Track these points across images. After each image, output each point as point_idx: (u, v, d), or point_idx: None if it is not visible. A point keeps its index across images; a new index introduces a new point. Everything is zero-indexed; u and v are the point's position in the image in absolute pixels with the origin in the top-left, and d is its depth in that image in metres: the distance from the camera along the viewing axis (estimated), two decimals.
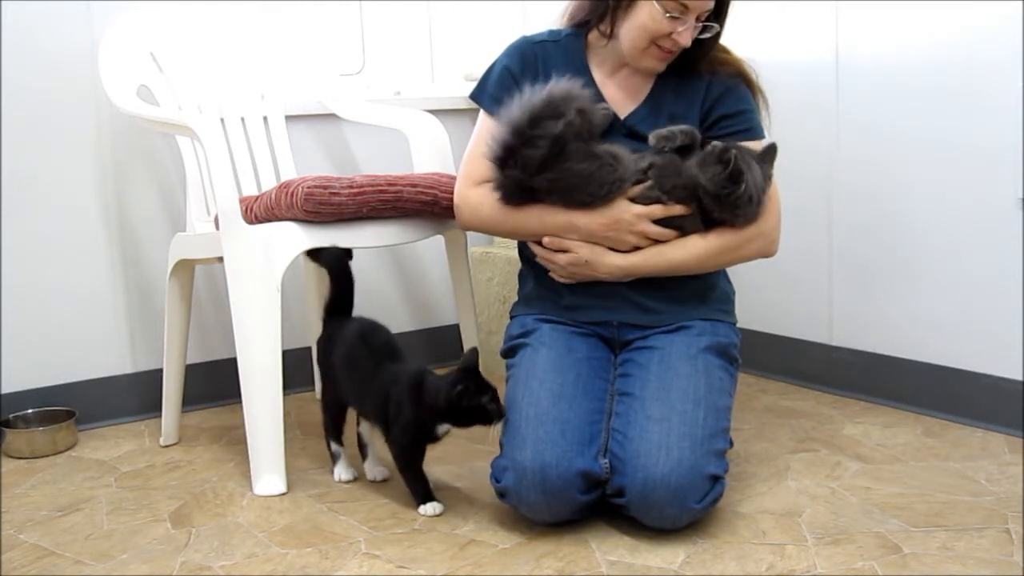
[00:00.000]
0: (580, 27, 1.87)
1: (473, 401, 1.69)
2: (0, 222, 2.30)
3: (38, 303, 2.35)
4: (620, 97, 1.84)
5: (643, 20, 1.72)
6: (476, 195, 1.84)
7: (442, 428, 1.76)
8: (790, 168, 2.44)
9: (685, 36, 1.71)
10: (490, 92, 1.86)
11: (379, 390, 1.80)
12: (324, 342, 1.98)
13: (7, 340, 2.32)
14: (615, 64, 1.84)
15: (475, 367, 1.72)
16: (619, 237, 1.72)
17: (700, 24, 1.73)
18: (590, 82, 1.83)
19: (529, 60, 1.85)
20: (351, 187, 1.89)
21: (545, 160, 1.67)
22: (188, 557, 1.65)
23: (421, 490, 1.79)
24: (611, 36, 1.79)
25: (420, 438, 1.78)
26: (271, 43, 2.50)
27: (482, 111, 1.89)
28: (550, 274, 1.81)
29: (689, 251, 1.74)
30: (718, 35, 1.78)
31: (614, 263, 1.74)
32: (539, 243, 1.80)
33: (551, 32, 1.89)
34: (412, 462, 1.80)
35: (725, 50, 1.84)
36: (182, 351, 2.24)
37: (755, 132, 1.81)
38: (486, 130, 1.85)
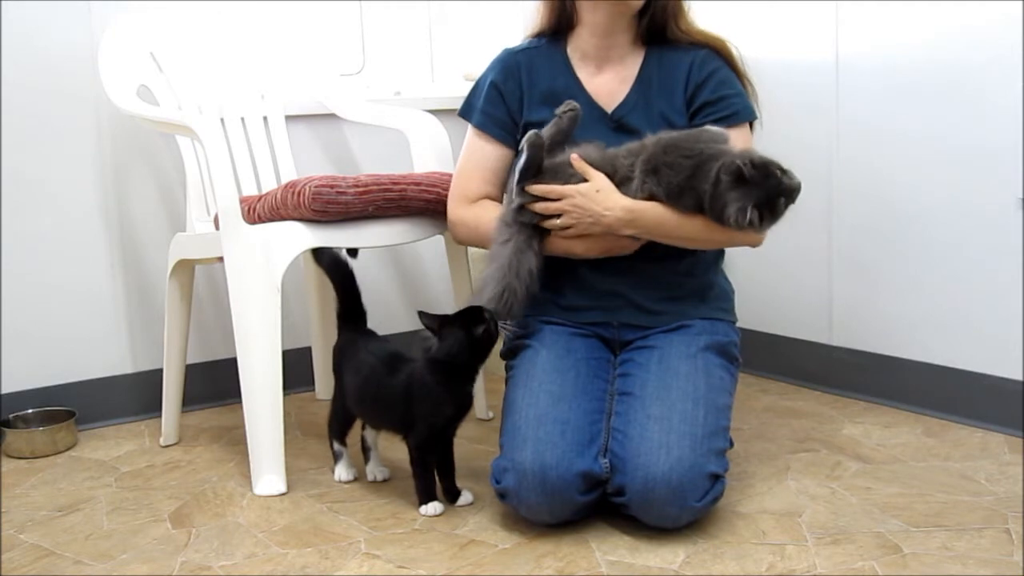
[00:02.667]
0: (556, 34, 1.88)
1: (479, 323, 1.71)
2: (0, 222, 2.30)
3: (38, 303, 2.35)
4: (606, 92, 1.85)
5: None
6: (472, 214, 1.87)
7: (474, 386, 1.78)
8: (790, 167, 2.45)
9: None
10: (480, 108, 1.89)
11: (397, 398, 1.79)
12: (337, 353, 1.98)
13: (7, 340, 2.32)
14: (598, 57, 1.84)
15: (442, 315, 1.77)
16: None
17: None
18: (575, 82, 1.84)
19: (512, 70, 1.87)
20: (357, 186, 1.89)
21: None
22: (188, 557, 1.65)
23: (427, 488, 1.79)
24: (577, 19, 1.81)
25: (454, 414, 1.77)
26: (271, 43, 2.50)
27: (471, 128, 1.91)
28: (558, 230, 1.75)
29: (691, 217, 1.71)
30: None
31: (619, 203, 1.69)
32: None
33: (531, 40, 1.91)
34: (429, 458, 1.79)
35: (697, 28, 1.84)
36: (182, 351, 2.23)
37: (740, 116, 1.80)
38: (475, 146, 1.89)
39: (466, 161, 1.91)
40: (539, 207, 1.73)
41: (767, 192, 1.62)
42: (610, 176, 1.71)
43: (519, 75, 1.87)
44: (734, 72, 1.83)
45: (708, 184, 1.64)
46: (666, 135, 1.72)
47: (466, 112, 1.93)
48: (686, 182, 1.67)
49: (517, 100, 1.86)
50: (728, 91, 1.81)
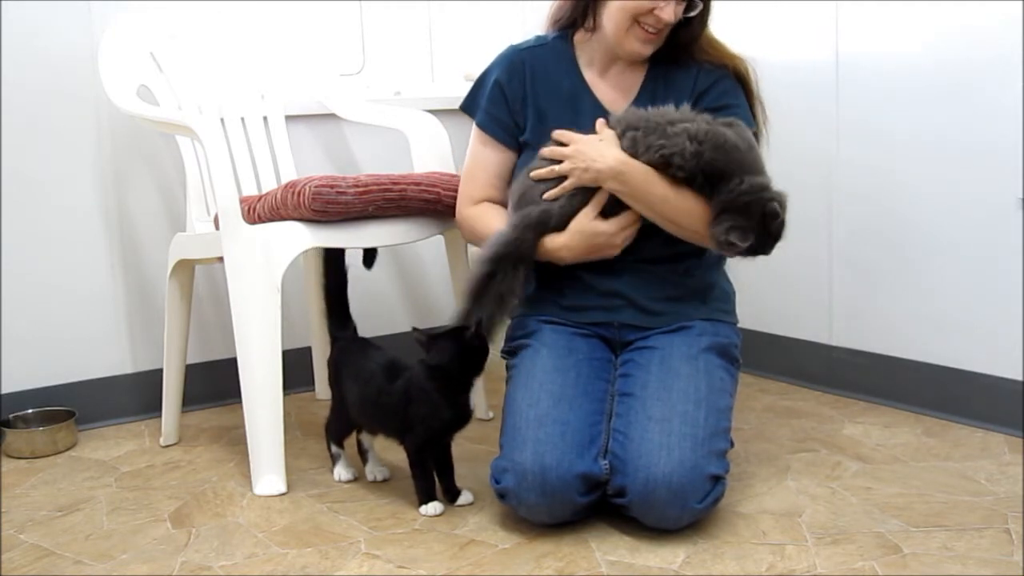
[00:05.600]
0: (565, 29, 1.88)
1: (467, 336, 1.72)
2: (0, 222, 2.30)
3: (38, 303, 2.35)
4: (612, 96, 1.84)
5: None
6: (474, 213, 1.89)
7: (472, 398, 1.78)
8: (790, 168, 2.45)
9: (667, 11, 1.71)
10: (484, 107, 1.89)
11: (396, 403, 1.79)
12: (334, 365, 1.98)
13: (7, 340, 2.32)
14: (604, 61, 1.84)
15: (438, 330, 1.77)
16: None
17: (684, 0, 1.73)
18: (582, 83, 1.84)
19: (517, 68, 1.87)
20: (356, 186, 1.89)
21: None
22: (188, 557, 1.65)
23: (427, 489, 1.79)
24: (595, 28, 1.81)
25: (450, 422, 1.77)
26: (271, 43, 2.50)
27: (475, 126, 1.91)
28: (555, 190, 1.75)
29: (677, 192, 1.69)
30: (704, 15, 1.77)
31: (614, 154, 1.69)
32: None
33: (538, 38, 1.91)
34: (426, 458, 1.80)
35: (718, 44, 1.83)
36: (182, 351, 2.23)
37: None
38: (478, 149, 1.90)
39: (471, 163, 1.92)
40: (547, 151, 1.75)
41: (761, 239, 1.68)
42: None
43: (523, 74, 1.86)
44: (748, 93, 1.83)
45: (742, 194, 1.65)
46: (713, 132, 1.69)
47: (469, 108, 1.93)
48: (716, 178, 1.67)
49: (520, 101, 1.86)
50: (730, 100, 1.80)
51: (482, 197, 1.90)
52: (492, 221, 1.83)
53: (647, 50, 1.78)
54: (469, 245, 2.28)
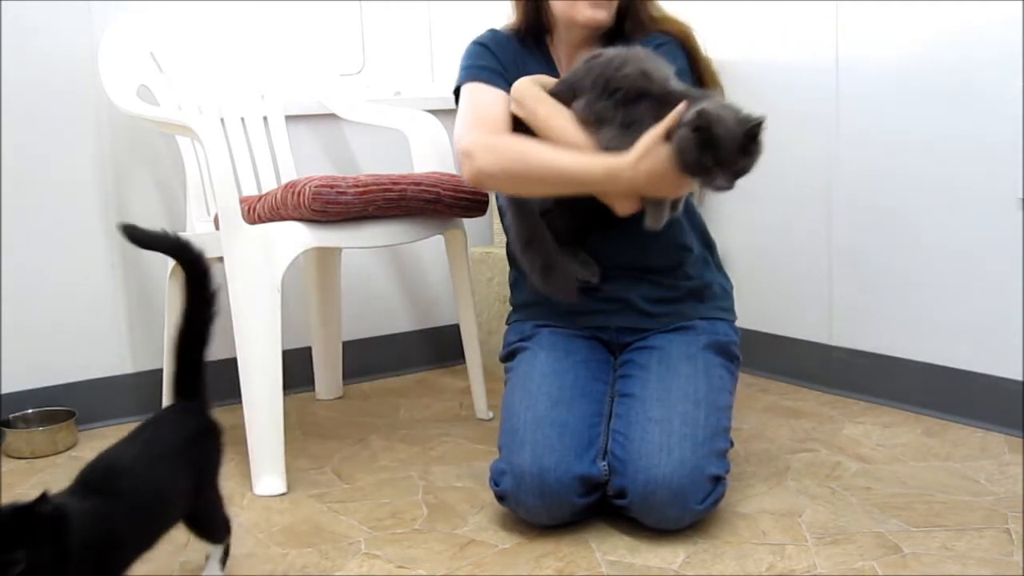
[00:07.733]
0: (530, 32, 1.87)
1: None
2: (0, 222, 2.30)
3: (38, 303, 2.35)
4: None
5: None
6: (510, 138, 1.70)
7: None
8: (790, 168, 2.46)
9: None
10: (471, 66, 1.83)
11: None
12: None
13: (7, 340, 2.32)
14: (569, 53, 1.83)
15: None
16: None
17: None
18: (553, 72, 1.83)
19: (501, 39, 1.86)
20: (356, 186, 1.89)
21: None
22: (188, 557, 1.65)
23: None
24: (552, 26, 1.82)
25: None
26: (271, 43, 2.50)
27: (466, 85, 1.82)
28: None
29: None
30: None
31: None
32: None
33: (513, 33, 1.90)
34: None
35: (665, 14, 1.82)
36: None
37: None
38: (471, 97, 1.79)
39: (474, 106, 1.76)
40: None
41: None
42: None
43: (501, 51, 1.84)
44: (692, 58, 1.79)
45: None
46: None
47: (456, 85, 1.86)
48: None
49: (510, 64, 1.82)
50: (670, 62, 1.72)
51: (503, 119, 1.73)
52: (556, 122, 1.65)
53: (600, 13, 1.75)
54: (470, 248, 2.27)
